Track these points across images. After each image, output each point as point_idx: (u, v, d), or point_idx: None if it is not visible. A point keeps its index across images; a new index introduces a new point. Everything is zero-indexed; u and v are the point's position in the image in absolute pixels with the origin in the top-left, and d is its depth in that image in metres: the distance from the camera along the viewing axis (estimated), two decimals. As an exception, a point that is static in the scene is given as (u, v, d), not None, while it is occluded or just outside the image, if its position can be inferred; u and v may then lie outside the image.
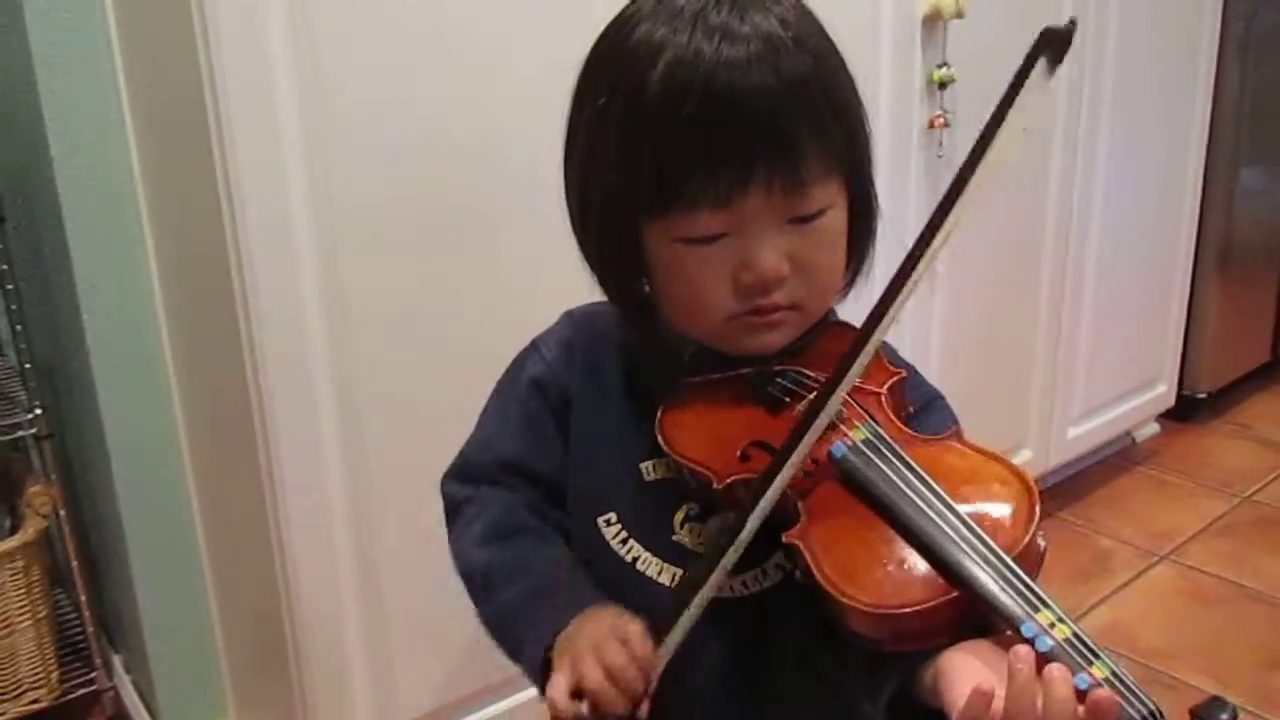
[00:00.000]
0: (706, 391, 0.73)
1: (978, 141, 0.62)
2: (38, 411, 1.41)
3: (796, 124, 0.64)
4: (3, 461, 1.54)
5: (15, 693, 1.45)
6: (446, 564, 0.81)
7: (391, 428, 1.19)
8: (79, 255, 1.28)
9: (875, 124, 1.58)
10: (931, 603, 0.58)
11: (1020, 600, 0.56)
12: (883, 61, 1.52)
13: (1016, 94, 0.60)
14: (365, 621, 1.23)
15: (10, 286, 1.40)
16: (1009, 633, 0.56)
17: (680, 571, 0.73)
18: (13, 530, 1.44)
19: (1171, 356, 2.30)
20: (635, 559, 0.74)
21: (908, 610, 0.58)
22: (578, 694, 0.63)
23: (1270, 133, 2.38)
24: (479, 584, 0.76)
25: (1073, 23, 0.60)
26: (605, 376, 0.78)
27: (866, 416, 0.68)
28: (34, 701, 1.46)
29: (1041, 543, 0.61)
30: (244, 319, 1.09)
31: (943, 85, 1.58)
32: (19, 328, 1.41)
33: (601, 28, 0.71)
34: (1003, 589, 0.56)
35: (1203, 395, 2.46)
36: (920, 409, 0.75)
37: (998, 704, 0.52)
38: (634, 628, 0.64)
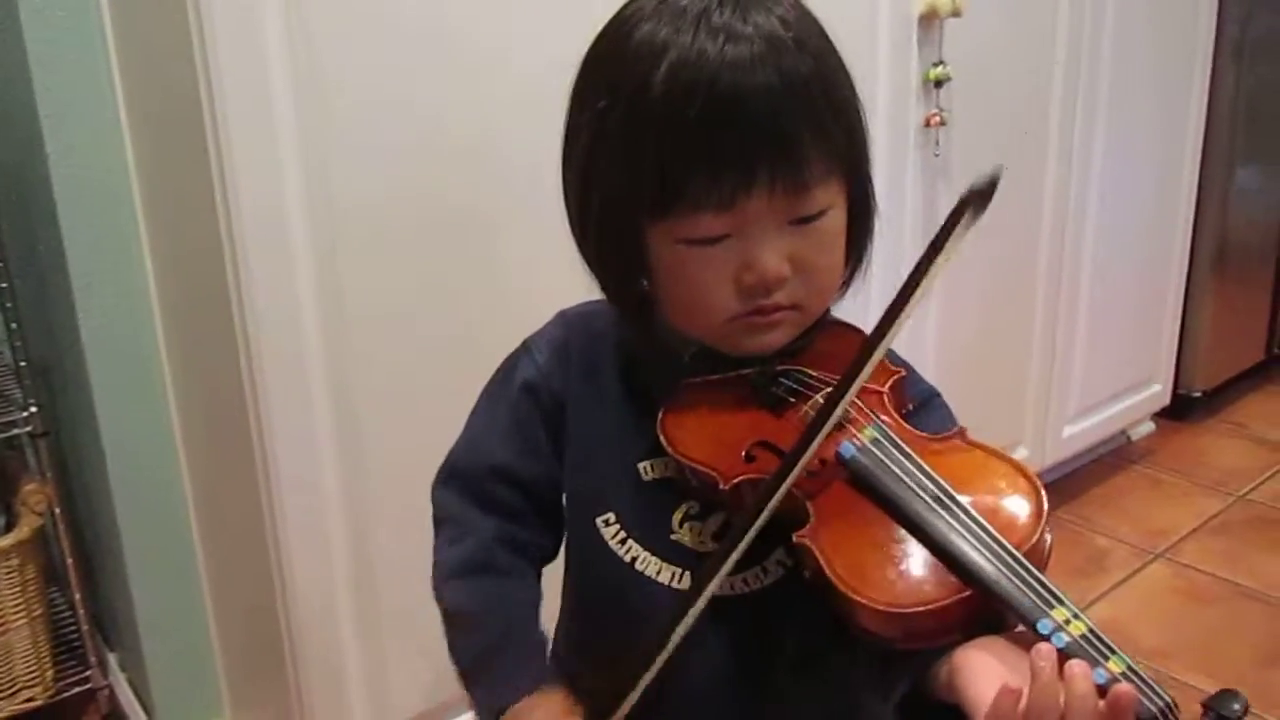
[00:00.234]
0: (708, 392, 0.73)
1: (906, 282, 0.64)
2: (33, 409, 1.41)
3: (799, 125, 0.64)
4: (-2, 460, 1.54)
5: (10, 691, 1.44)
6: (442, 565, 0.81)
7: (388, 427, 1.19)
8: (74, 253, 1.28)
9: (872, 123, 1.58)
10: (945, 601, 0.58)
11: (1036, 597, 0.56)
12: (879, 60, 1.52)
13: (942, 247, 0.62)
14: (361, 620, 1.23)
15: (5, 284, 1.40)
16: (1022, 629, 0.56)
17: (679, 570, 0.73)
18: (8, 528, 1.44)
19: (1167, 355, 2.30)
20: (634, 559, 0.74)
21: (922, 609, 0.58)
22: None
23: (1264, 134, 2.39)
24: (445, 618, 0.78)
25: (995, 176, 0.60)
26: (602, 377, 0.78)
27: (873, 416, 0.68)
28: (29, 700, 1.46)
29: (1049, 539, 0.61)
30: (239, 317, 1.09)
31: (939, 84, 1.58)
32: (14, 325, 1.41)
33: (601, 27, 0.71)
34: (1018, 586, 0.57)
35: (1198, 394, 2.46)
36: (919, 407, 0.75)
37: (1025, 704, 0.52)
38: None
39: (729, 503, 0.69)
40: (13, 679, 1.45)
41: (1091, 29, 1.83)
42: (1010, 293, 1.88)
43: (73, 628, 1.52)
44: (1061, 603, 0.56)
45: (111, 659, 1.58)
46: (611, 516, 0.75)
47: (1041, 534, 0.60)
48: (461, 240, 1.19)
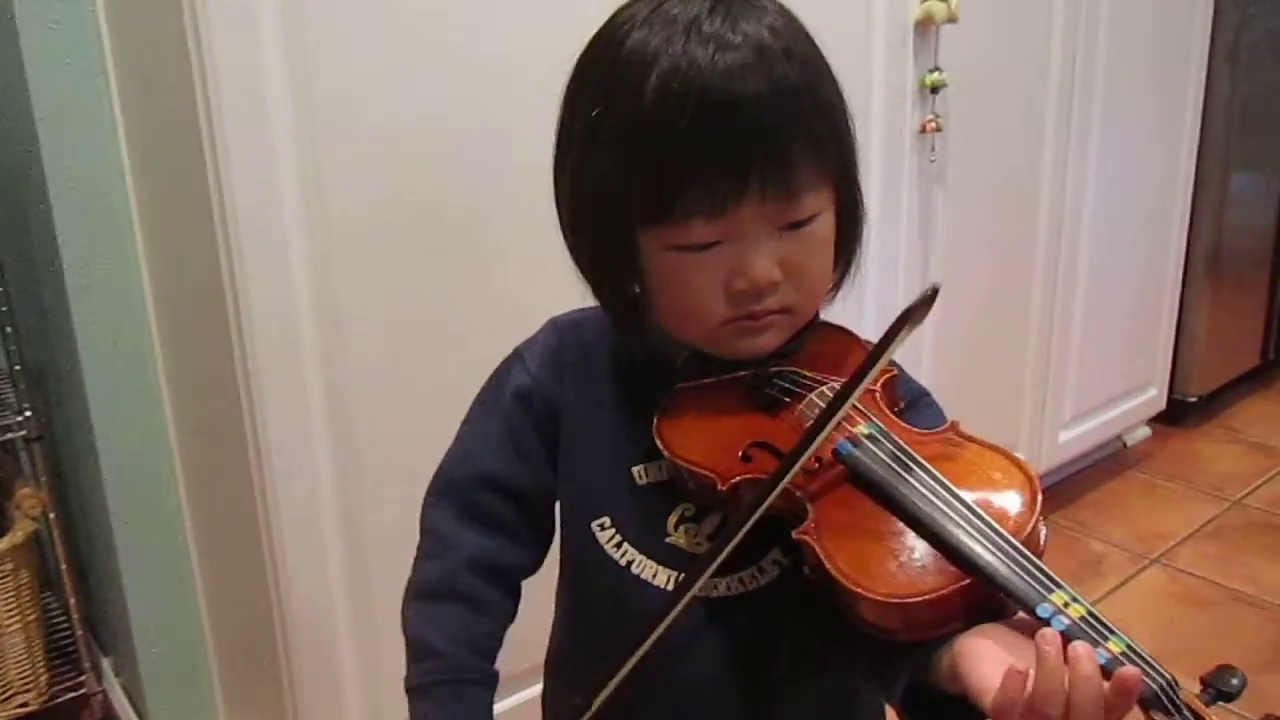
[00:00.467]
0: (703, 395, 0.73)
1: (845, 384, 0.65)
2: (27, 413, 1.40)
3: (789, 133, 0.65)
4: (-8, 464, 1.54)
5: (3, 696, 1.44)
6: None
7: (383, 431, 1.19)
8: (70, 257, 1.27)
9: (868, 128, 1.60)
10: (945, 590, 0.59)
11: (1034, 582, 0.57)
12: (875, 66, 1.53)
13: (881, 355, 0.63)
14: (356, 624, 1.23)
15: (0, 288, 1.40)
16: (1022, 615, 0.58)
17: (675, 574, 0.73)
18: (1, 533, 1.44)
19: (1162, 360, 2.31)
20: (630, 562, 0.74)
21: (923, 599, 0.59)
22: None
23: (1259, 139, 2.39)
24: (405, 640, 0.80)
25: (934, 290, 0.61)
26: (595, 382, 0.78)
27: (867, 414, 0.69)
28: (22, 705, 1.46)
29: (1043, 529, 0.62)
30: (235, 321, 1.09)
31: (935, 90, 1.59)
32: (9, 329, 1.40)
33: (596, 29, 0.71)
34: (1016, 573, 0.58)
35: (1193, 399, 2.47)
36: (910, 404, 0.76)
37: (1027, 685, 0.53)
38: None
39: (727, 503, 0.69)
40: (6, 684, 1.44)
41: (1086, 35, 1.84)
42: (1006, 297, 1.88)
43: (66, 632, 1.52)
44: (1060, 587, 0.57)
45: (105, 664, 1.58)
46: (607, 520, 0.75)
47: (1036, 522, 0.61)
48: (458, 242, 1.19)
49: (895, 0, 1.52)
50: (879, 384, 0.72)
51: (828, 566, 0.61)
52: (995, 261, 1.82)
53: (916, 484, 0.63)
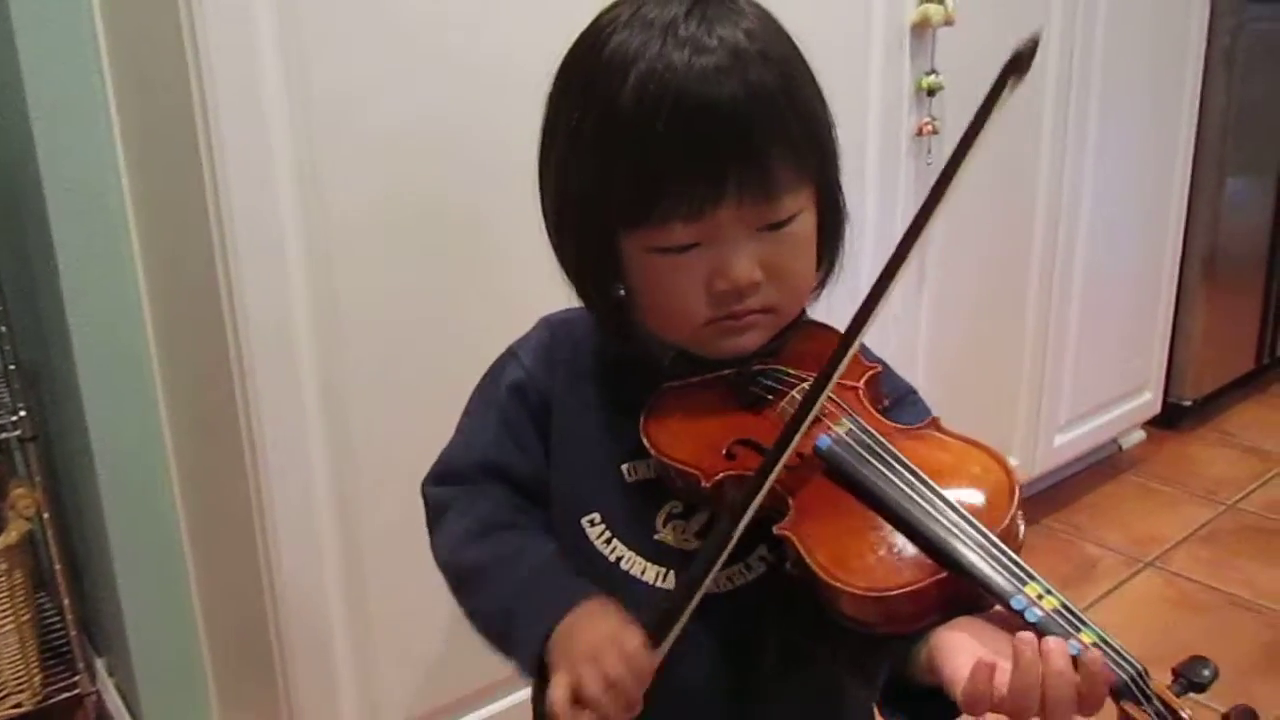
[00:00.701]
0: (688, 394, 0.74)
1: (956, 149, 0.66)
2: (22, 413, 1.40)
3: (766, 135, 0.66)
4: (-14, 463, 1.54)
5: (-3, 697, 1.44)
6: (434, 566, 0.81)
7: (380, 432, 1.19)
8: (65, 258, 1.27)
9: (864, 131, 1.60)
10: (922, 583, 0.60)
11: (1008, 575, 0.59)
12: (872, 69, 1.53)
13: (989, 113, 0.64)
14: (351, 624, 1.23)
15: (-5, 288, 1.39)
16: (998, 608, 0.59)
17: (663, 570, 0.74)
18: (-4, 533, 1.44)
19: (1157, 364, 2.31)
20: (619, 558, 0.75)
21: (900, 592, 0.60)
22: (576, 700, 0.63)
23: (1255, 143, 2.40)
24: (467, 578, 0.76)
25: (1036, 38, 0.62)
26: (584, 381, 0.79)
27: (847, 410, 0.70)
28: (16, 706, 1.45)
29: (1021, 524, 0.63)
30: (231, 321, 1.09)
31: (931, 92, 1.59)
32: (4, 329, 1.40)
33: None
34: (991, 566, 0.59)
35: (1188, 403, 2.47)
36: (895, 402, 0.77)
37: (1000, 677, 0.55)
38: (634, 640, 0.64)
39: (712, 500, 0.70)
40: (1, 684, 1.44)
41: (1083, 38, 1.84)
42: (1001, 300, 1.88)
43: (60, 633, 1.51)
44: (1034, 579, 0.59)
45: (99, 664, 1.57)
46: (597, 516, 0.76)
47: (1014, 516, 0.63)
48: (455, 241, 1.19)
49: (892, 3, 1.53)
50: (862, 381, 0.73)
51: (807, 561, 0.62)
52: (991, 264, 1.82)
53: (895, 479, 0.65)
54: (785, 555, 0.65)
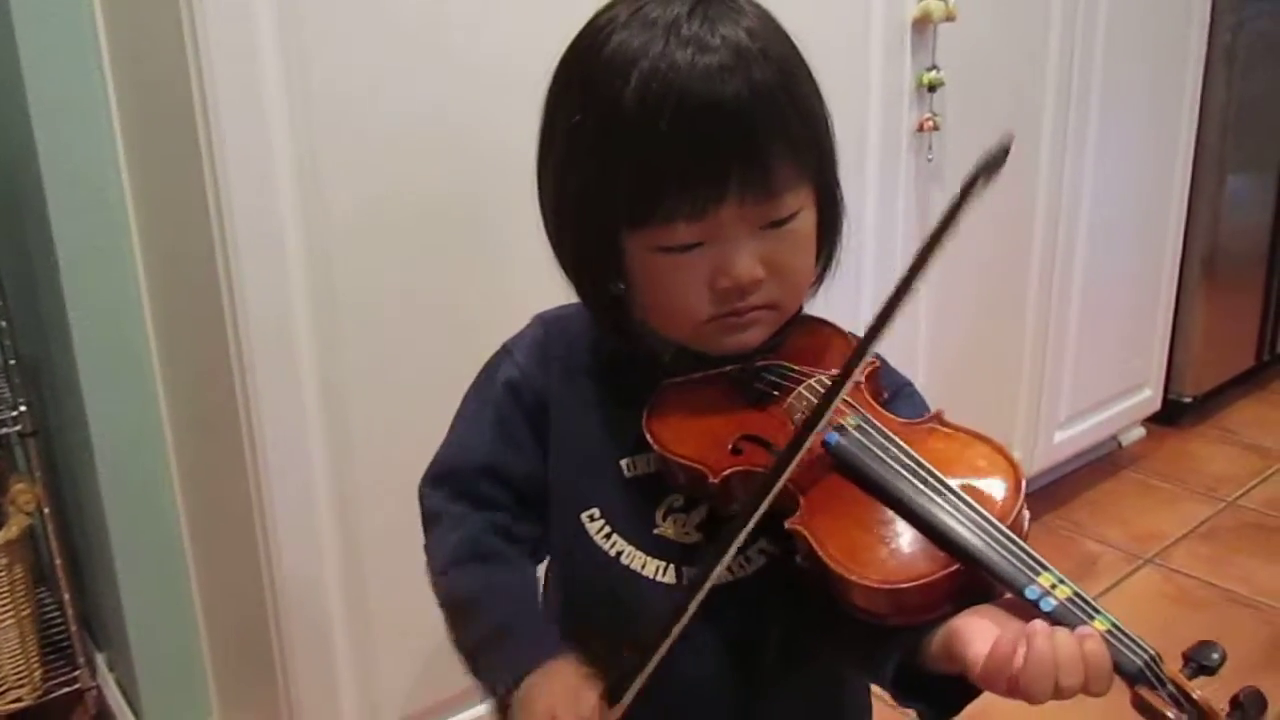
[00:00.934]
0: (690, 390, 0.75)
1: (926, 243, 0.67)
2: (22, 408, 1.40)
3: (768, 134, 0.66)
4: (-14, 459, 1.54)
5: (-3, 691, 1.44)
6: (432, 565, 0.81)
7: (380, 427, 1.19)
8: (65, 252, 1.27)
9: (865, 127, 1.60)
10: (936, 575, 0.61)
11: (1022, 565, 0.59)
12: (872, 65, 1.53)
13: (959, 212, 0.64)
14: (351, 619, 1.23)
15: (-5, 283, 1.39)
16: (1009, 596, 0.60)
17: (663, 564, 0.75)
18: (-4, 528, 1.44)
19: (1157, 361, 2.31)
20: (619, 553, 0.76)
21: (913, 584, 0.61)
22: None
23: (1256, 140, 2.40)
24: (446, 609, 0.78)
25: (1007, 143, 0.61)
26: (581, 377, 0.79)
27: (853, 405, 0.71)
28: (16, 700, 1.46)
29: (1026, 516, 0.64)
30: (231, 316, 1.09)
31: (932, 88, 1.59)
32: (3, 324, 1.40)
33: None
34: (1004, 557, 0.60)
35: (1188, 400, 2.47)
36: (893, 395, 0.78)
37: (1019, 659, 0.56)
38: (589, 700, 0.66)
39: (718, 495, 0.70)
40: (1, 679, 1.44)
41: (1084, 34, 1.84)
42: (1002, 297, 1.88)
43: (61, 628, 1.52)
44: (1046, 569, 0.60)
45: (100, 659, 1.57)
46: (596, 512, 0.77)
47: (1020, 508, 0.63)
48: (455, 238, 1.19)
49: (893, -1, 1.53)
50: (864, 375, 0.74)
51: (820, 555, 0.63)
52: (991, 261, 1.82)
53: (904, 472, 0.65)
54: (795, 549, 0.66)
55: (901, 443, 0.67)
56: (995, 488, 0.65)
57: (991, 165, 0.61)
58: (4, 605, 1.42)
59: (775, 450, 0.69)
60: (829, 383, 0.70)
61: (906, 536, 0.63)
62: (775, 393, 0.73)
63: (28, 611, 1.45)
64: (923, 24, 1.56)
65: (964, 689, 0.61)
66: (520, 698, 0.68)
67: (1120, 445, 2.36)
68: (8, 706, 1.45)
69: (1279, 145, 2.48)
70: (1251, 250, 2.53)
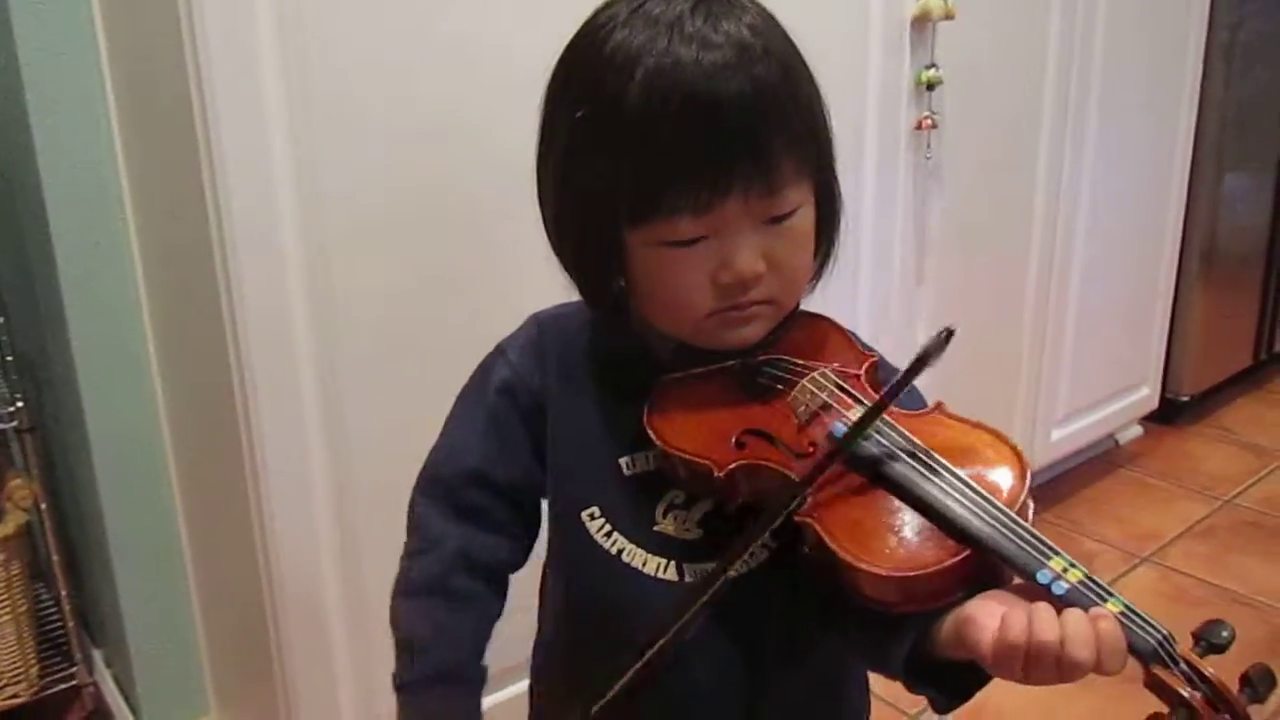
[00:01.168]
0: (691, 386, 0.75)
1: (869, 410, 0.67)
2: (19, 404, 1.40)
3: (770, 130, 0.66)
4: (-17, 454, 1.53)
5: (-6, 688, 1.44)
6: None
7: (378, 424, 1.19)
8: (62, 248, 1.27)
9: (863, 125, 1.60)
10: (947, 562, 0.61)
11: (1032, 550, 0.60)
12: (871, 63, 1.53)
13: (892, 399, 0.66)
14: (349, 615, 1.23)
15: (-8, 278, 1.39)
16: (1020, 582, 0.60)
17: (664, 561, 0.75)
18: (-7, 524, 1.43)
19: (1155, 360, 2.31)
20: (620, 551, 0.76)
21: (924, 572, 0.61)
22: None
23: (1254, 139, 2.40)
24: (395, 637, 0.80)
25: (948, 333, 0.65)
26: (578, 376, 0.79)
27: (858, 399, 0.71)
28: (13, 697, 1.45)
29: (1031, 504, 0.65)
30: (229, 312, 1.09)
31: (931, 87, 1.59)
32: (1, 320, 1.40)
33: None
34: (1014, 542, 0.60)
35: (1185, 399, 2.47)
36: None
37: (1024, 632, 0.57)
38: None
39: (722, 490, 0.71)
40: (-3, 675, 1.44)
41: (1083, 33, 1.84)
42: (1000, 295, 1.88)
43: (58, 624, 1.52)
44: (1057, 553, 0.60)
45: (97, 655, 1.57)
46: (596, 510, 0.77)
47: (1026, 495, 0.64)
48: (453, 233, 1.19)
49: (892, -3, 1.53)
50: (863, 369, 0.75)
51: (830, 545, 0.63)
52: (990, 259, 1.82)
53: (911, 462, 0.66)
54: (803, 540, 0.66)
55: (907, 432, 0.68)
56: (1001, 475, 0.65)
57: (932, 351, 0.64)
58: (1, 602, 1.42)
59: (782, 445, 0.69)
60: (833, 376, 0.72)
61: (915, 525, 0.64)
62: (778, 386, 0.74)
63: (24, 608, 1.45)
64: (922, 22, 1.56)
65: (975, 675, 0.62)
66: None
67: (1118, 444, 2.36)
68: (4, 703, 1.45)
69: (1277, 143, 2.49)
70: (1249, 249, 2.53)
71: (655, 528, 0.75)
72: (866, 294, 1.59)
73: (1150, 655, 0.57)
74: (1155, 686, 0.57)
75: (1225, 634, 0.59)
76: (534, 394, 0.79)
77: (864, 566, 0.62)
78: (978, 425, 0.70)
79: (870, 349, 0.78)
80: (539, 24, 1.14)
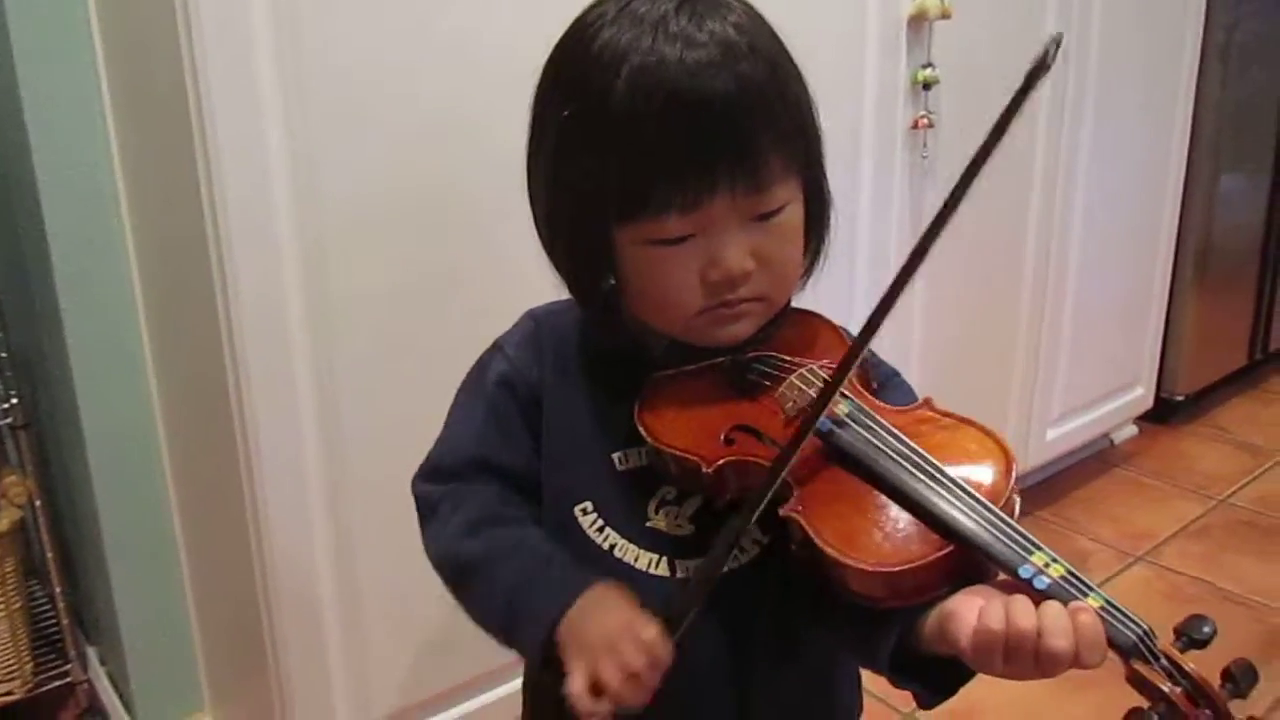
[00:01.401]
0: (681, 383, 0.75)
1: (980, 150, 0.68)
2: (14, 401, 1.40)
3: (757, 127, 0.67)
4: (-22, 451, 1.53)
5: (-12, 685, 1.44)
6: (426, 558, 0.80)
7: (373, 421, 1.19)
8: (57, 245, 1.27)
9: (859, 124, 1.59)
10: (931, 557, 0.62)
11: (1015, 545, 0.61)
12: (868, 62, 1.53)
13: (1011, 119, 0.67)
14: (344, 614, 1.23)
15: (-13, 275, 1.39)
16: (1003, 577, 0.61)
17: (656, 557, 0.75)
18: (-13, 521, 1.43)
19: (1150, 359, 2.32)
20: (612, 546, 0.76)
21: (908, 567, 0.62)
22: (594, 690, 0.64)
23: (1250, 139, 2.40)
24: (465, 573, 0.76)
25: (1057, 39, 0.64)
26: (572, 372, 0.80)
27: (846, 394, 0.71)
28: (7, 694, 1.45)
29: (1017, 499, 0.65)
30: (224, 309, 1.09)
31: (927, 86, 1.59)
32: (-4, 317, 1.40)
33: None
34: (997, 538, 0.61)
35: (1180, 398, 2.48)
36: (882, 384, 0.79)
37: (1001, 621, 0.57)
38: (650, 630, 0.65)
39: (711, 486, 0.71)
40: (-9, 672, 1.44)
41: (1079, 33, 1.84)
42: (995, 295, 1.88)
43: (52, 621, 1.51)
44: (1039, 549, 0.61)
45: (91, 653, 1.57)
46: (589, 505, 0.77)
47: (1011, 491, 0.65)
48: (449, 229, 1.19)
49: (888, -4, 1.53)
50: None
51: (816, 541, 0.64)
52: (985, 258, 1.83)
53: (897, 458, 0.66)
54: (790, 536, 0.67)
55: (893, 428, 0.68)
56: (986, 470, 0.66)
57: (1039, 69, 0.63)
58: (-5, 598, 1.42)
59: (769, 440, 0.70)
60: (820, 372, 0.73)
61: (900, 520, 0.64)
62: (766, 383, 0.74)
63: (18, 605, 1.45)
64: (918, 21, 1.56)
65: (959, 671, 0.62)
66: (569, 629, 0.67)
67: (1112, 443, 2.37)
68: (-1, 700, 1.45)
69: (1272, 144, 2.49)
70: (1244, 249, 2.53)
71: (648, 524, 0.76)
72: (862, 292, 1.59)
73: (1131, 650, 0.58)
74: (1136, 681, 0.57)
75: (1207, 629, 0.60)
76: (531, 387, 0.79)
77: (849, 562, 0.62)
78: (965, 420, 0.70)
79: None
80: (538, 20, 1.14)
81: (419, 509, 0.82)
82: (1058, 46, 0.62)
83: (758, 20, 0.71)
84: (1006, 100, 0.63)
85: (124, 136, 1.27)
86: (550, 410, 0.79)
